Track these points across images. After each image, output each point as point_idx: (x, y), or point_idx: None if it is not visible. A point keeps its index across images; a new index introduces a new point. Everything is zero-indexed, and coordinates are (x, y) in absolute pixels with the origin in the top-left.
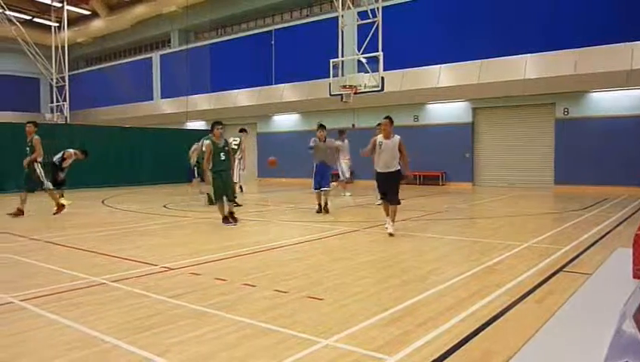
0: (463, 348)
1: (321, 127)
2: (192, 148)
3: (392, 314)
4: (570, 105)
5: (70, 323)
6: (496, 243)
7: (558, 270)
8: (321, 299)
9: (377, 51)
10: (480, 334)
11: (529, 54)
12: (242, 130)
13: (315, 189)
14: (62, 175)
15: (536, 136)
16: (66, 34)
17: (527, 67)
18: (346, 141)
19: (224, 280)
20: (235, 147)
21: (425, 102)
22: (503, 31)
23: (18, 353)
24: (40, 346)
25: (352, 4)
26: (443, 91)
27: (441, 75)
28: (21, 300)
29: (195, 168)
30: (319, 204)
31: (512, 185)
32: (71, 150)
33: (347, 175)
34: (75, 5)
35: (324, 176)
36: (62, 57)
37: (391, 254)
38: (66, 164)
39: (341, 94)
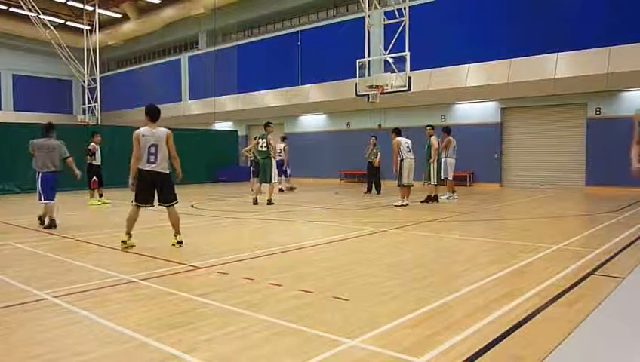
0: (491, 351)
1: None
2: (248, 147)
3: (419, 315)
4: (602, 104)
5: (101, 319)
6: (525, 244)
7: (589, 273)
8: (347, 300)
9: (404, 51)
10: (509, 337)
11: (560, 53)
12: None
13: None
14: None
15: (567, 136)
16: (97, 37)
17: (557, 66)
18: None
19: (251, 279)
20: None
21: (453, 102)
22: (533, 29)
23: (52, 348)
24: (72, 342)
25: (379, 3)
26: (471, 91)
27: (470, 74)
28: (54, 297)
29: (252, 166)
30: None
31: (542, 186)
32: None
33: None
34: (107, 9)
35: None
36: (93, 59)
37: (418, 255)
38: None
39: (367, 94)
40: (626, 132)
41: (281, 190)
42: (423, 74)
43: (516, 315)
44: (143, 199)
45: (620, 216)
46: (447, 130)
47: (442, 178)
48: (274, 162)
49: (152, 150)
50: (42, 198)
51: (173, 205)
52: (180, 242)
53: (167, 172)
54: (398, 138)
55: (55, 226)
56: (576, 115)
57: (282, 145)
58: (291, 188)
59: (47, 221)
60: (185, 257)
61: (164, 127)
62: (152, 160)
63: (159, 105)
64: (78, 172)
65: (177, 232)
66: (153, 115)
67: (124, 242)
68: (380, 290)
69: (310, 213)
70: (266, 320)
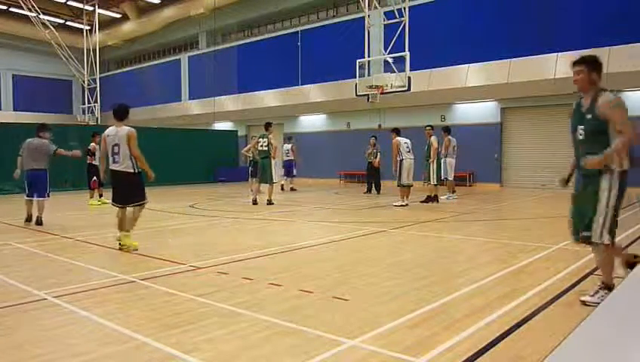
0: (491, 351)
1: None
2: (247, 147)
3: (419, 315)
4: None
5: (101, 319)
6: (525, 244)
7: (589, 273)
8: (346, 300)
9: (404, 51)
10: (509, 337)
11: (559, 53)
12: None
13: None
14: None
15: (567, 137)
16: (97, 37)
17: (557, 66)
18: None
19: (250, 279)
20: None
21: (452, 102)
22: (533, 29)
23: (52, 348)
24: (72, 342)
25: (379, 4)
26: (471, 91)
27: (469, 74)
28: (54, 297)
29: (251, 166)
30: None
31: (543, 186)
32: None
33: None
34: (107, 9)
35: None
36: (93, 59)
37: (418, 255)
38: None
39: (367, 94)
40: None
41: (282, 188)
42: (422, 74)
43: (516, 315)
44: (114, 199)
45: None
46: (446, 129)
47: (442, 178)
48: (273, 162)
49: (115, 150)
50: (26, 195)
51: (135, 205)
52: (120, 241)
53: (131, 171)
54: (398, 138)
55: (40, 223)
56: None
57: (290, 146)
58: (292, 189)
59: (32, 218)
60: (185, 257)
61: (166, 127)
62: (116, 159)
63: (159, 106)
64: (73, 152)
65: (126, 230)
66: (117, 115)
67: (120, 242)
68: (380, 290)
69: (310, 213)
70: (266, 320)
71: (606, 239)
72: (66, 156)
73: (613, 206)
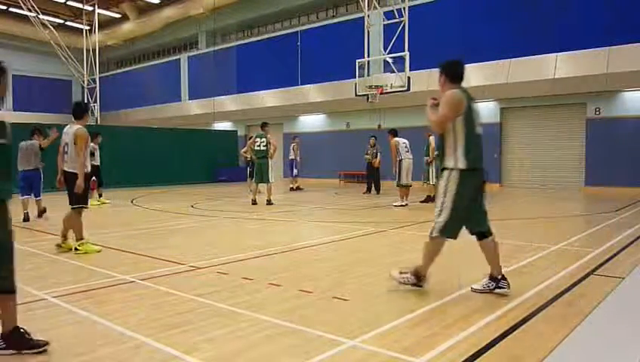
0: (490, 350)
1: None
2: (245, 148)
3: (418, 315)
4: (601, 104)
5: (100, 319)
6: (525, 245)
7: (589, 273)
8: (346, 300)
9: (403, 51)
10: (508, 337)
11: (559, 53)
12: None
13: None
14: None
15: (567, 137)
16: (97, 37)
17: (557, 66)
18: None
19: (250, 279)
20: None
21: None
22: (532, 29)
23: (52, 348)
24: (71, 342)
25: (378, 4)
26: (471, 91)
27: (469, 74)
28: (54, 297)
29: (250, 166)
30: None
31: (542, 186)
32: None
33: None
34: (106, 9)
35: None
36: (93, 60)
37: (417, 255)
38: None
39: (367, 95)
40: (626, 132)
41: (291, 188)
42: (422, 74)
43: (516, 315)
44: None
45: (620, 215)
46: None
47: None
48: (270, 162)
49: (66, 149)
50: (20, 195)
51: (74, 208)
52: (59, 245)
53: (77, 172)
54: (396, 138)
55: (43, 214)
56: (575, 115)
57: (293, 145)
58: (292, 189)
59: (29, 217)
60: (185, 257)
61: (166, 127)
62: (65, 159)
63: (158, 106)
64: (51, 136)
65: (64, 236)
66: (73, 113)
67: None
68: (379, 290)
69: (310, 213)
70: (266, 320)
71: (434, 233)
72: (52, 142)
73: (449, 205)
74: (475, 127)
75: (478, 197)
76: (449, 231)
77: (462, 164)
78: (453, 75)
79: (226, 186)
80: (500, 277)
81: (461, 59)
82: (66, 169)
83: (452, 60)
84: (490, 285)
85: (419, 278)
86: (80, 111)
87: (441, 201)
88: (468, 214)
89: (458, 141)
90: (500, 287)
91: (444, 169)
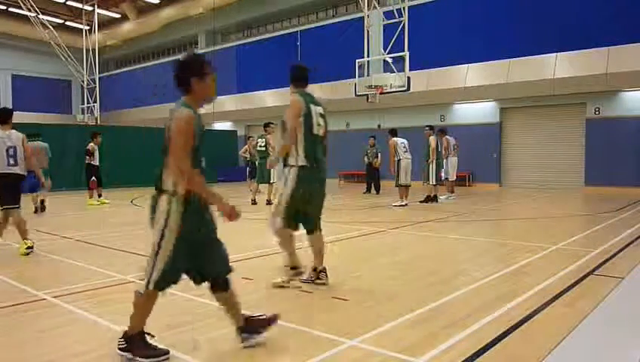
0: (490, 351)
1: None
2: (244, 148)
3: (417, 315)
4: (601, 104)
5: (100, 319)
6: (524, 245)
7: (588, 273)
8: (346, 300)
9: (403, 51)
10: (508, 337)
11: (559, 53)
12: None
13: None
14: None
15: (566, 137)
16: (96, 37)
17: (556, 66)
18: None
19: (250, 279)
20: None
21: (452, 102)
22: (532, 29)
23: (52, 348)
24: (71, 342)
25: (378, 4)
26: (470, 91)
27: (469, 74)
28: (54, 297)
29: (249, 166)
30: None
31: (542, 186)
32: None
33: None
34: (106, 9)
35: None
36: (92, 60)
37: (417, 255)
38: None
39: (367, 94)
40: (626, 132)
41: None
42: (422, 74)
43: (516, 315)
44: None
45: (619, 216)
46: (442, 130)
47: (444, 178)
48: None
49: (11, 152)
50: None
51: (10, 208)
52: (29, 247)
53: (24, 174)
54: (395, 138)
55: (43, 208)
56: (575, 115)
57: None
58: None
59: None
60: None
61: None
62: (11, 162)
63: (159, 105)
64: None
65: (24, 238)
66: (1, 118)
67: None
68: (379, 290)
69: None
70: None
71: (277, 223)
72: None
73: (285, 198)
74: (312, 127)
75: (314, 192)
76: (286, 220)
77: (301, 161)
78: (294, 78)
79: (225, 186)
80: (321, 269)
81: (460, 59)
82: (17, 172)
83: (294, 64)
84: (312, 276)
85: (295, 269)
86: (6, 115)
87: (279, 193)
88: (305, 207)
89: (299, 141)
90: (320, 279)
91: (285, 166)
